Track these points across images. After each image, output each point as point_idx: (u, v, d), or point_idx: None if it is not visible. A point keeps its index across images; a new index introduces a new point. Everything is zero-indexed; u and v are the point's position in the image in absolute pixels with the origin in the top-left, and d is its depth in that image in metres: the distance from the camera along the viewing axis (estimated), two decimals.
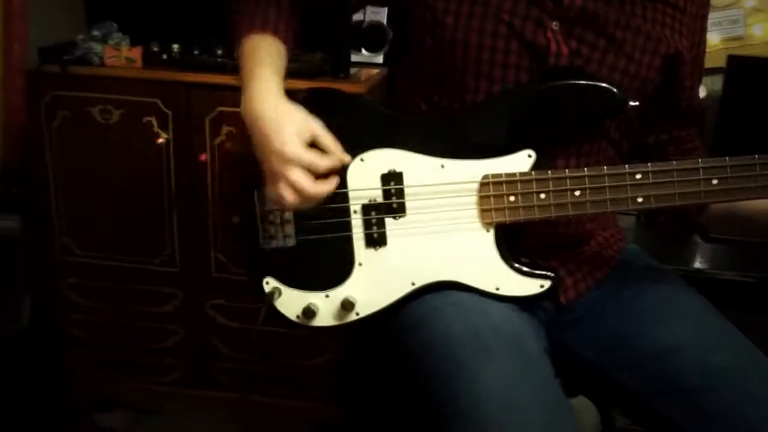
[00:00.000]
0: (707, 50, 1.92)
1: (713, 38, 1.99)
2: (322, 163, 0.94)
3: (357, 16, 1.97)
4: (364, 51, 2.02)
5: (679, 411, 0.96)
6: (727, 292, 1.51)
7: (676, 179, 0.95)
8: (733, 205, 1.03)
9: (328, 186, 0.95)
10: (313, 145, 0.95)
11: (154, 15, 2.00)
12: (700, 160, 0.95)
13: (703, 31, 1.10)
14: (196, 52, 1.90)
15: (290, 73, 1.77)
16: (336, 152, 0.96)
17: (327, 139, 0.96)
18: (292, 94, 0.98)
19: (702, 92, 1.88)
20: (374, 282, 1.01)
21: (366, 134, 1.00)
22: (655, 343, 1.00)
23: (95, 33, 1.89)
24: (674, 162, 0.95)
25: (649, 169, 0.95)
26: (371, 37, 1.99)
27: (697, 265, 1.53)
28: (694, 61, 1.09)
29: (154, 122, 1.85)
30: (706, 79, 1.97)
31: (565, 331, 1.09)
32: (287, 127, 0.93)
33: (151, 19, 1.99)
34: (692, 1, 1.05)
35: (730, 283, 1.50)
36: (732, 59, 1.89)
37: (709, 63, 1.93)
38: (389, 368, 1.13)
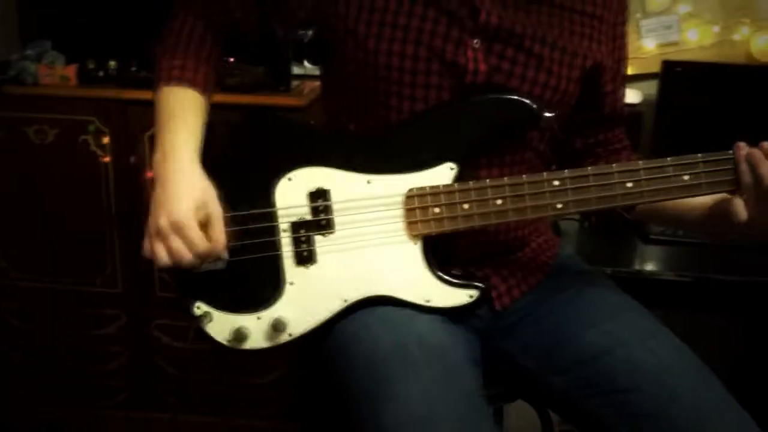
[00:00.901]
0: (643, 56, 2.02)
1: (649, 44, 2.02)
2: (202, 247, 0.93)
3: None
4: (306, 63, 2.01)
5: (610, 412, 0.97)
6: (665, 292, 1.54)
7: (592, 184, 0.97)
8: (660, 204, 1.05)
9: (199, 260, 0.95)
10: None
11: (89, 32, 1.96)
12: (614, 165, 0.97)
13: (622, 36, 1.12)
14: (133, 69, 1.87)
15: (230, 87, 1.78)
16: (218, 243, 0.95)
17: (217, 227, 0.95)
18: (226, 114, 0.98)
19: (638, 97, 1.93)
20: (306, 300, 1.00)
21: (293, 153, 1.00)
22: (587, 346, 1.02)
23: (29, 52, 1.86)
24: (589, 168, 0.98)
25: (566, 175, 0.97)
26: (314, 50, 1.98)
27: (637, 266, 1.55)
28: (615, 67, 1.11)
29: (91, 141, 1.81)
30: (642, 84, 2.01)
31: (501, 338, 1.10)
32: (187, 196, 0.93)
33: (86, 37, 1.95)
34: (609, 10, 1.07)
35: (668, 283, 1.53)
36: (667, 64, 1.92)
37: (644, 68, 2.02)
38: (327, 387, 1.12)
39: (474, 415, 0.90)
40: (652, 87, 1.97)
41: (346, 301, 1.00)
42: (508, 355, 1.10)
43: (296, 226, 0.99)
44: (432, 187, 0.98)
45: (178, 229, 0.92)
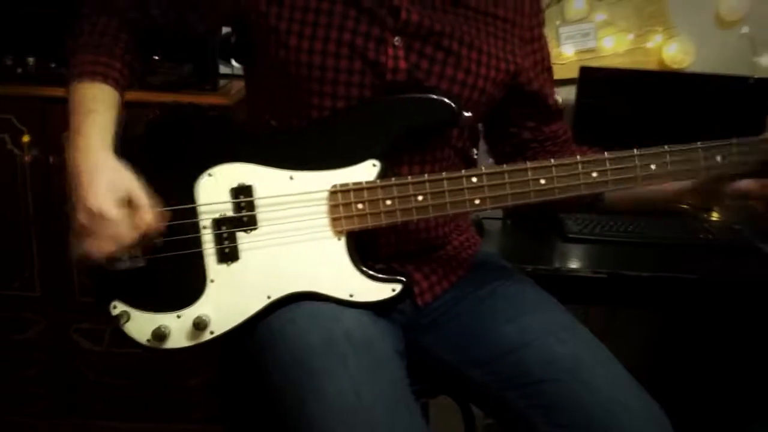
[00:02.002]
0: (562, 62, 2.08)
1: (567, 50, 2.10)
2: (129, 229, 0.92)
3: (227, 28, 1.95)
4: (234, 62, 1.99)
5: (526, 403, 1.01)
6: (583, 288, 1.59)
7: (507, 181, 1.01)
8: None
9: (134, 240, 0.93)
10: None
11: (7, 28, 1.89)
12: (528, 162, 1.01)
13: (540, 38, 1.16)
14: (53, 65, 1.82)
15: (155, 86, 1.75)
16: (148, 215, 0.93)
17: (142, 200, 0.93)
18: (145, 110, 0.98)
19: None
20: (228, 298, 1.00)
21: (214, 149, 1.00)
22: (504, 340, 1.05)
23: None
24: (505, 165, 1.01)
25: (483, 172, 1.00)
26: (240, 48, 1.97)
27: (556, 264, 1.60)
28: (538, 67, 1.15)
29: (8, 139, 1.75)
30: (561, 89, 2.07)
31: (422, 333, 1.12)
32: (99, 181, 0.91)
33: (4, 32, 1.88)
34: (522, 14, 1.11)
35: (585, 279, 1.58)
36: (584, 70, 1.98)
37: (563, 74, 2.08)
38: (253, 385, 1.12)
39: (402, 404, 0.92)
40: (570, 92, 2.03)
41: (269, 297, 1.00)
42: (430, 350, 1.12)
43: (218, 223, 0.99)
44: (355, 184, 1.00)
45: (100, 218, 0.90)
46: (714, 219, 1.96)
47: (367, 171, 1.00)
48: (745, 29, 2.08)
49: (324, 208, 1.00)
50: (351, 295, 1.02)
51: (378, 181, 1.00)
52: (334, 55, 0.99)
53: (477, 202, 1.01)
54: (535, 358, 1.02)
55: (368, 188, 1.00)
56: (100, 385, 1.93)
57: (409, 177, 1.00)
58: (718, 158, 1.03)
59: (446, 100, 1.01)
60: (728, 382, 1.86)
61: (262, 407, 1.05)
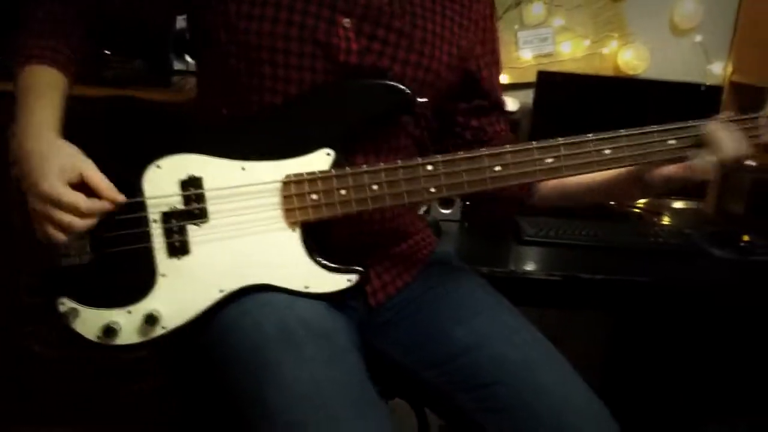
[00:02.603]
0: (520, 66, 2.10)
1: (525, 54, 2.12)
2: (85, 204, 0.90)
3: (181, 23, 1.92)
4: (188, 58, 1.96)
5: (476, 406, 1.01)
6: (538, 290, 1.60)
7: (463, 168, 0.99)
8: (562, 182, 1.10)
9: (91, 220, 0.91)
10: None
11: None
12: (483, 149, 1.00)
13: (492, 30, 1.16)
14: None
15: (106, 80, 1.70)
16: (105, 192, 0.92)
17: (95, 178, 0.91)
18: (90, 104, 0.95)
19: (515, 105, 2.01)
20: (180, 293, 0.97)
21: (162, 140, 0.97)
22: (456, 342, 1.04)
23: None
24: (461, 152, 1.00)
25: (439, 159, 0.99)
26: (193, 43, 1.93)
27: (511, 266, 1.61)
28: (488, 57, 1.16)
29: None
30: (519, 93, 2.10)
31: (375, 335, 1.11)
32: (50, 164, 0.89)
33: None
34: (477, 1, 1.11)
35: (539, 281, 1.59)
36: (542, 74, 2.02)
37: (522, 78, 2.10)
38: (206, 382, 1.09)
39: (363, 394, 0.91)
40: (528, 96, 2.06)
41: (222, 291, 0.98)
42: (383, 351, 1.11)
43: (167, 216, 0.96)
44: (309, 174, 0.98)
45: (52, 200, 0.88)
46: (665, 223, 2.00)
47: (321, 160, 0.98)
48: (698, 37, 2.13)
49: (277, 199, 0.98)
50: (306, 287, 1.00)
51: (332, 170, 0.98)
52: (284, 37, 0.97)
53: (433, 190, 1.00)
54: (487, 360, 1.01)
55: (322, 178, 0.98)
56: (50, 390, 1.86)
57: (364, 166, 0.99)
58: (671, 141, 1.03)
59: (400, 86, 0.99)
60: (680, 383, 1.89)
61: (218, 403, 1.02)
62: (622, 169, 1.06)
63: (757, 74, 2.06)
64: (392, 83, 1.00)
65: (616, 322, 2.27)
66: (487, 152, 1.00)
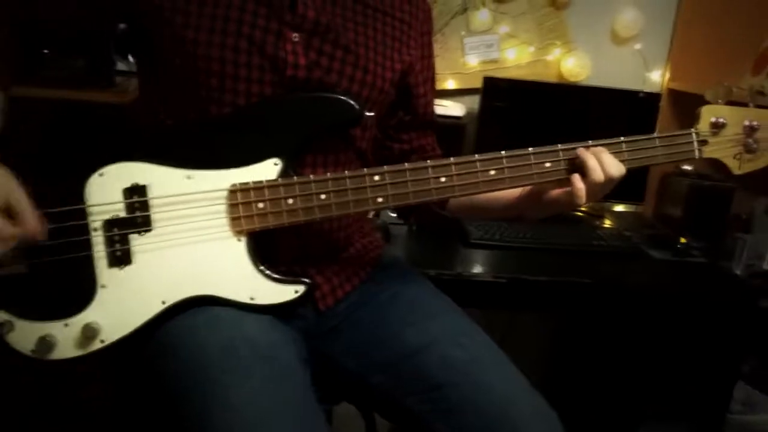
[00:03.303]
0: (466, 72, 2.13)
1: (472, 60, 2.14)
2: (7, 231, 0.86)
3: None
4: (131, 59, 1.91)
5: (425, 407, 1.01)
6: (485, 292, 1.62)
7: (409, 179, 1.01)
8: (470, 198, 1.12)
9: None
10: None
11: None
12: (429, 161, 1.01)
13: (429, 46, 1.19)
14: None
15: (46, 81, 1.65)
16: (27, 223, 0.87)
17: (20, 206, 0.87)
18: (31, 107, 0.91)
19: (461, 110, 2.04)
20: (121, 304, 0.95)
21: (105, 148, 0.95)
22: (405, 344, 1.05)
23: None
24: (407, 164, 1.01)
25: (386, 170, 1.00)
26: (135, 44, 1.89)
27: (458, 269, 1.62)
28: (425, 72, 1.18)
29: None
30: (465, 99, 2.12)
31: (324, 339, 1.11)
32: None
33: None
34: (416, 18, 1.14)
35: (486, 284, 1.61)
36: (488, 80, 2.04)
37: (468, 83, 2.13)
38: (149, 396, 1.07)
39: (308, 414, 0.91)
40: (474, 101, 2.08)
41: (165, 303, 0.96)
42: (332, 356, 1.11)
43: (109, 225, 0.94)
44: (256, 182, 0.97)
45: None
46: (606, 226, 2.05)
47: (268, 170, 0.98)
48: (638, 46, 2.19)
49: (223, 207, 0.97)
50: (252, 298, 0.99)
51: (279, 179, 0.98)
52: (233, 49, 0.96)
53: (380, 200, 1.00)
54: (435, 362, 1.02)
55: (269, 187, 0.97)
56: None
57: (311, 176, 0.99)
58: (548, 164, 1.05)
59: (349, 99, 1.00)
60: (620, 382, 1.94)
61: (160, 418, 1.00)
62: (524, 188, 1.10)
63: (694, 82, 2.12)
64: (342, 97, 1.00)
65: (561, 322, 2.32)
66: (432, 164, 1.01)
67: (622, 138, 1.06)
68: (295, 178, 0.98)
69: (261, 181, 0.97)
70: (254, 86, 0.98)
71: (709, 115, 1.07)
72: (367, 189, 1.00)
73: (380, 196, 1.00)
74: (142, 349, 0.97)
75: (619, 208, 2.25)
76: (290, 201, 0.98)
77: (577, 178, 1.02)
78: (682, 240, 1.90)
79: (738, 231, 2.08)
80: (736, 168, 1.08)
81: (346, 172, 0.99)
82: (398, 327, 1.07)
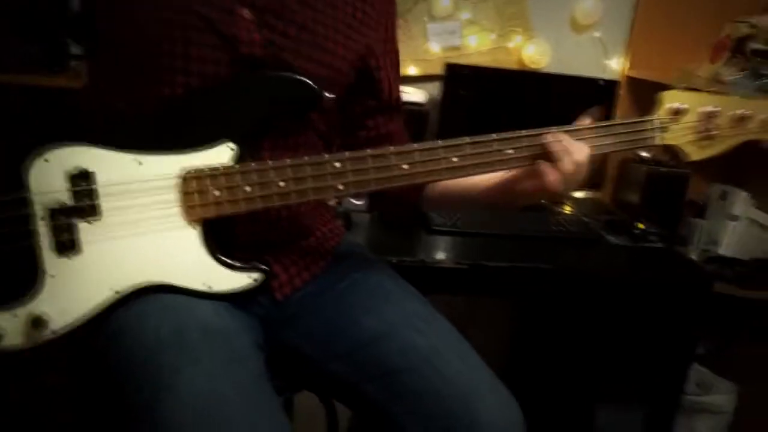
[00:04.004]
0: (429, 58, 2.12)
1: (434, 47, 2.13)
2: None
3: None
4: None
5: (385, 394, 1.01)
6: (446, 278, 1.63)
7: (371, 165, 0.98)
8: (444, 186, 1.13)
9: None
10: None
11: None
12: (391, 147, 0.99)
13: (393, 29, 1.16)
14: None
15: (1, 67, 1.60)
16: None
17: None
18: None
19: (424, 97, 2.03)
20: (70, 294, 0.91)
21: (50, 131, 0.91)
22: (364, 332, 1.04)
23: None
24: (368, 150, 0.98)
25: (347, 157, 0.98)
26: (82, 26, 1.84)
27: (421, 255, 1.63)
28: (389, 56, 1.16)
29: None
30: (428, 85, 2.12)
31: (282, 328, 1.09)
32: None
33: None
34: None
35: (448, 270, 1.62)
36: (450, 67, 2.04)
37: (430, 70, 2.12)
38: (103, 384, 1.05)
39: (261, 401, 0.89)
40: (437, 88, 2.08)
41: (117, 292, 0.93)
42: (291, 344, 1.09)
43: (55, 213, 0.90)
44: (211, 168, 0.94)
45: None
46: (566, 212, 2.07)
47: (223, 154, 0.95)
48: (597, 33, 2.21)
49: (176, 195, 0.94)
50: (209, 286, 0.97)
51: (236, 165, 0.95)
52: (182, 26, 0.93)
53: (341, 187, 0.98)
54: (394, 348, 1.02)
55: (225, 174, 0.94)
56: None
57: (270, 162, 0.96)
58: (510, 151, 1.04)
59: (308, 81, 0.97)
60: (578, 366, 1.97)
61: (113, 405, 0.98)
62: (498, 178, 1.09)
63: (652, 70, 2.16)
64: (300, 78, 0.97)
65: (522, 308, 2.35)
66: (394, 150, 0.99)
67: (584, 125, 1.06)
68: (252, 164, 0.95)
69: (217, 168, 0.94)
70: (208, 66, 0.95)
71: (668, 101, 1.07)
72: (328, 176, 0.97)
73: (341, 183, 0.98)
74: (94, 338, 0.95)
75: (578, 194, 2.27)
76: (248, 188, 0.95)
77: (546, 166, 1.01)
78: (640, 226, 1.93)
79: (693, 216, 2.13)
80: (694, 154, 1.08)
81: (306, 158, 0.97)
82: (357, 314, 1.07)
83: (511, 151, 1.03)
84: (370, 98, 1.17)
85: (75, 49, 1.80)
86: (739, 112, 1.07)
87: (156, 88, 0.95)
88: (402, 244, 1.71)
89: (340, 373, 1.05)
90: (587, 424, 1.92)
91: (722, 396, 2.13)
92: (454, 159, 1.01)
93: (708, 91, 1.08)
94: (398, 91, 1.20)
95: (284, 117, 1.00)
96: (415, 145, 1.00)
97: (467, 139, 1.02)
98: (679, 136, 1.07)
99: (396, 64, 1.19)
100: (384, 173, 0.99)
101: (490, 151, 1.02)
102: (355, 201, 1.81)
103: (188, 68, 0.95)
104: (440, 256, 1.65)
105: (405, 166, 0.99)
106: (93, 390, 1.15)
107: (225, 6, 0.95)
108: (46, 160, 0.90)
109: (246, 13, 0.96)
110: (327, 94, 0.99)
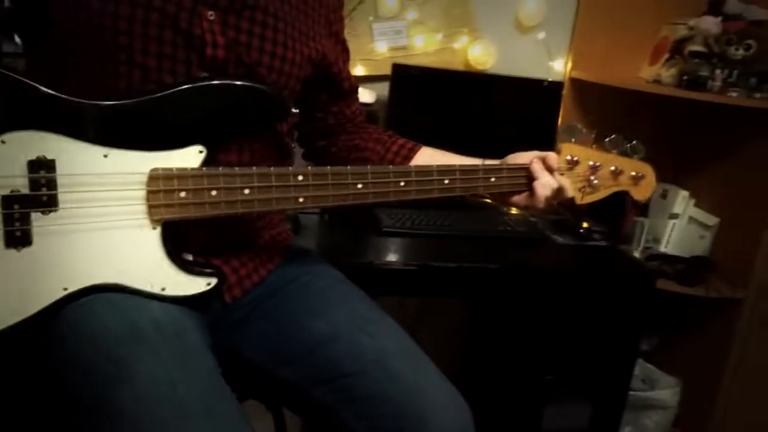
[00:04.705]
0: (375, 58, 2.11)
1: (380, 47, 2.12)
2: None
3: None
4: (17, 39, 1.77)
5: (334, 398, 1.00)
6: (397, 280, 1.62)
7: (330, 182, 1.02)
8: None
9: None
10: None
11: None
12: (349, 167, 1.03)
13: (341, 21, 1.19)
14: None
15: None
16: None
17: None
18: None
19: (371, 97, 2.02)
20: (17, 288, 0.86)
21: (9, 112, 0.84)
22: (313, 335, 1.04)
23: None
24: (329, 168, 1.02)
25: (309, 171, 1.00)
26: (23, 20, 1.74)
27: (371, 257, 1.61)
28: (339, 45, 1.19)
29: None
30: (375, 85, 2.10)
31: (230, 332, 1.08)
32: None
33: None
34: None
35: (398, 271, 1.61)
36: (396, 67, 2.03)
37: (377, 70, 2.11)
38: (48, 383, 0.99)
39: (218, 393, 0.88)
40: (384, 88, 2.06)
41: (66, 289, 0.89)
42: (237, 349, 1.08)
43: (9, 201, 0.84)
44: (180, 170, 0.92)
45: None
46: (513, 212, 2.09)
47: (192, 157, 0.93)
48: (541, 35, 2.24)
49: (141, 193, 0.91)
50: (163, 289, 0.95)
51: (204, 169, 0.94)
52: (142, 22, 0.91)
53: (301, 200, 1.00)
54: (343, 351, 1.01)
55: (194, 176, 0.93)
56: None
57: (237, 168, 0.95)
58: (493, 179, 1.15)
59: (280, 94, 0.99)
60: (526, 365, 1.99)
61: (58, 404, 0.92)
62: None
63: (594, 71, 2.21)
64: (274, 92, 0.99)
65: (473, 307, 2.36)
66: (351, 170, 1.03)
67: (504, 165, 1.17)
68: (220, 169, 0.95)
69: (185, 169, 0.92)
70: (166, 62, 0.93)
71: (566, 152, 1.21)
72: (291, 188, 0.99)
73: (302, 196, 1.00)
74: (37, 336, 0.90)
75: None
76: (214, 192, 0.94)
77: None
78: (584, 225, 1.97)
79: (636, 216, 2.19)
80: (579, 199, 1.24)
81: (272, 169, 0.97)
82: (306, 318, 1.06)
83: (446, 182, 1.11)
84: (332, 88, 1.20)
85: (7, 47, 1.70)
86: (614, 167, 1.24)
87: (112, 81, 0.92)
88: (352, 246, 1.70)
89: (288, 378, 1.04)
90: (536, 422, 1.93)
91: (667, 391, 2.19)
92: (402, 183, 1.07)
93: (594, 147, 1.26)
94: (351, 77, 1.25)
95: (253, 125, 1.01)
96: (369, 168, 1.05)
97: (413, 166, 1.13)
98: (571, 183, 1.20)
99: (346, 52, 1.23)
100: (341, 190, 1.03)
101: (431, 180, 1.10)
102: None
103: (146, 64, 0.93)
104: (390, 257, 1.64)
105: (359, 186, 1.04)
106: (30, 390, 1.08)
107: (187, 5, 0.94)
108: (3, 143, 0.84)
109: (210, 14, 0.96)
110: (294, 110, 1.05)
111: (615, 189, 1.27)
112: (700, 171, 2.28)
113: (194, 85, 0.94)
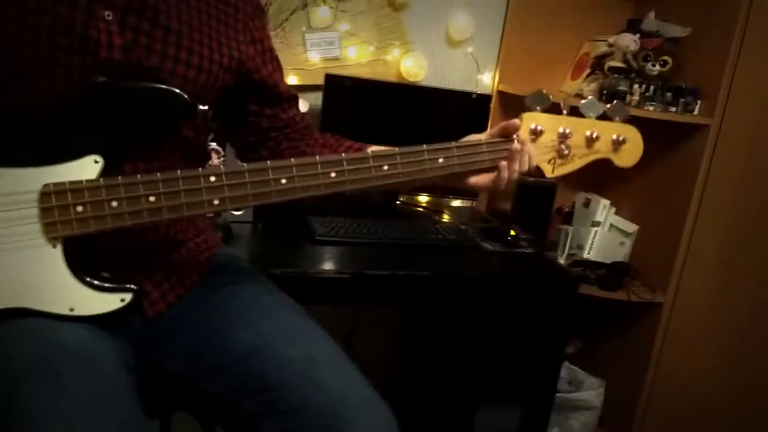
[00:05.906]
0: (308, 68, 2.13)
1: (313, 57, 2.14)
2: None
3: None
4: None
5: (260, 410, 0.99)
6: (330, 288, 1.63)
7: (248, 180, 0.96)
8: None
9: None
10: None
11: None
12: (269, 162, 0.98)
13: (263, 28, 1.14)
14: None
15: None
16: None
17: None
18: None
19: (305, 106, 2.03)
20: None
21: None
22: (239, 346, 1.01)
23: None
24: (245, 165, 0.97)
25: (222, 171, 0.95)
26: None
27: (304, 266, 1.62)
28: (264, 54, 1.14)
29: None
30: (308, 95, 2.12)
31: (155, 346, 1.05)
32: None
33: None
34: (245, 1, 1.09)
35: (331, 280, 1.62)
36: (329, 77, 2.05)
37: (310, 80, 2.13)
38: None
39: (132, 421, 0.86)
40: (317, 98, 2.08)
41: None
42: (164, 363, 1.05)
43: None
44: (73, 183, 0.89)
45: None
46: (444, 220, 2.14)
47: (87, 168, 0.90)
48: (470, 49, 2.30)
49: (35, 211, 0.88)
50: (71, 309, 0.91)
51: (101, 179, 0.90)
52: (33, 26, 0.86)
53: (216, 202, 0.95)
54: (269, 363, 0.99)
55: (89, 188, 0.89)
56: None
57: (139, 176, 0.92)
58: (441, 160, 1.09)
59: (179, 92, 0.94)
60: (458, 370, 2.03)
61: None
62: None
63: (519, 85, 2.27)
64: (171, 88, 0.94)
65: (404, 315, 2.39)
66: (272, 165, 0.98)
67: (453, 143, 1.10)
68: (119, 178, 0.91)
69: (79, 182, 0.89)
70: (59, 69, 0.88)
71: (528, 122, 1.12)
72: (203, 190, 0.94)
73: (217, 198, 0.95)
74: None
75: (456, 203, 2.35)
76: (114, 204, 0.90)
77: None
78: (512, 232, 2.02)
79: (561, 223, 2.27)
80: (549, 171, 1.15)
81: (179, 172, 0.93)
82: (232, 329, 1.03)
83: (386, 168, 1.05)
84: (260, 95, 1.16)
85: None
86: (588, 132, 1.13)
87: (20, 96, 0.89)
88: (285, 255, 1.70)
89: (216, 391, 1.02)
90: (467, 426, 1.97)
91: (591, 392, 2.26)
92: (332, 174, 1.01)
93: (563, 113, 1.14)
94: (285, 83, 1.20)
95: (154, 129, 0.96)
96: (293, 161, 0.99)
97: (344, 156, 1.02)
98: (538, 155, 1.12)
99: (276, 60, 1.17)
100: (262, 188, 0.97)
101: (367, 167, 1.03)
102: (235, 212, 1.77)
103: (37, 71, 0.88)
104: (324, 266, 1.65)
105: (283, 181, 0.98)
106: None
107: (81, 5, 0.89)
108: None
109: (107, 14, 0.91)
110: (201, 107, 0.97)
111: (593, 158, 1.16)
112: (620, 181, 2.36)
113: (78, 91, 0.90)
